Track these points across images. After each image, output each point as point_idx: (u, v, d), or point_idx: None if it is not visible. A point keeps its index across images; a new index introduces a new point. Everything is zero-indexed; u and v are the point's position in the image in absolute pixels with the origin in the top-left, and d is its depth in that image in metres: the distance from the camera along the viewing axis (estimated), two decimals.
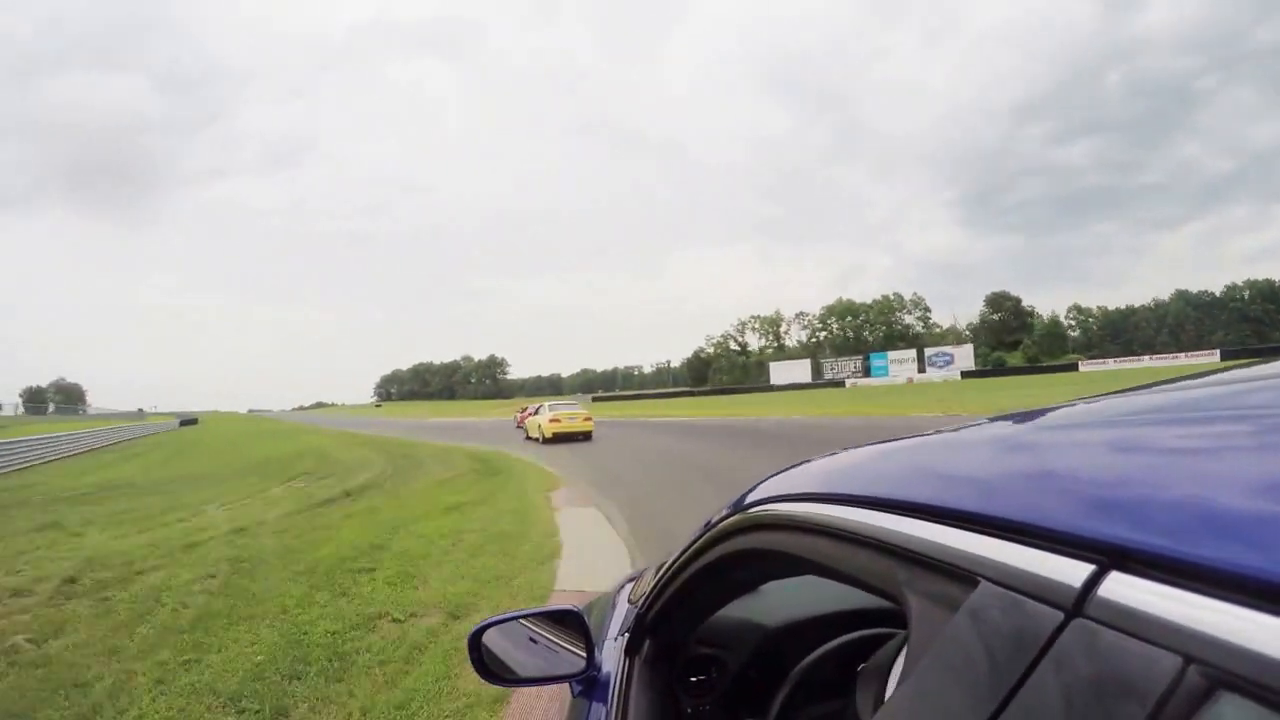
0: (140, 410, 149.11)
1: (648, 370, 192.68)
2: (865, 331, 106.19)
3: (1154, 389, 0.65)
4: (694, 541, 1.06)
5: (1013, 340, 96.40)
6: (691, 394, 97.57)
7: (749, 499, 0.90)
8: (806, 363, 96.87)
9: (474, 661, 1.37)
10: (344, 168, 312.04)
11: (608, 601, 1.84)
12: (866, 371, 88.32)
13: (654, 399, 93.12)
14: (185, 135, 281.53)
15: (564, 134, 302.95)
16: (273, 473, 16.88)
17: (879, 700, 0.84)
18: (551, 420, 21.88)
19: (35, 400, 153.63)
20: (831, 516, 0.67)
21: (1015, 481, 0.50)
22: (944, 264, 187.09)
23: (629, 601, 1.60)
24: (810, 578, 1.13)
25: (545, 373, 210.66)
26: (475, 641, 1.37)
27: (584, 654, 1.33)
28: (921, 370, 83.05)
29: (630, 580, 1.89)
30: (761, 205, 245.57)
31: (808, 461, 0.90)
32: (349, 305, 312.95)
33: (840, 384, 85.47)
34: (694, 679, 1.33)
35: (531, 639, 1.43)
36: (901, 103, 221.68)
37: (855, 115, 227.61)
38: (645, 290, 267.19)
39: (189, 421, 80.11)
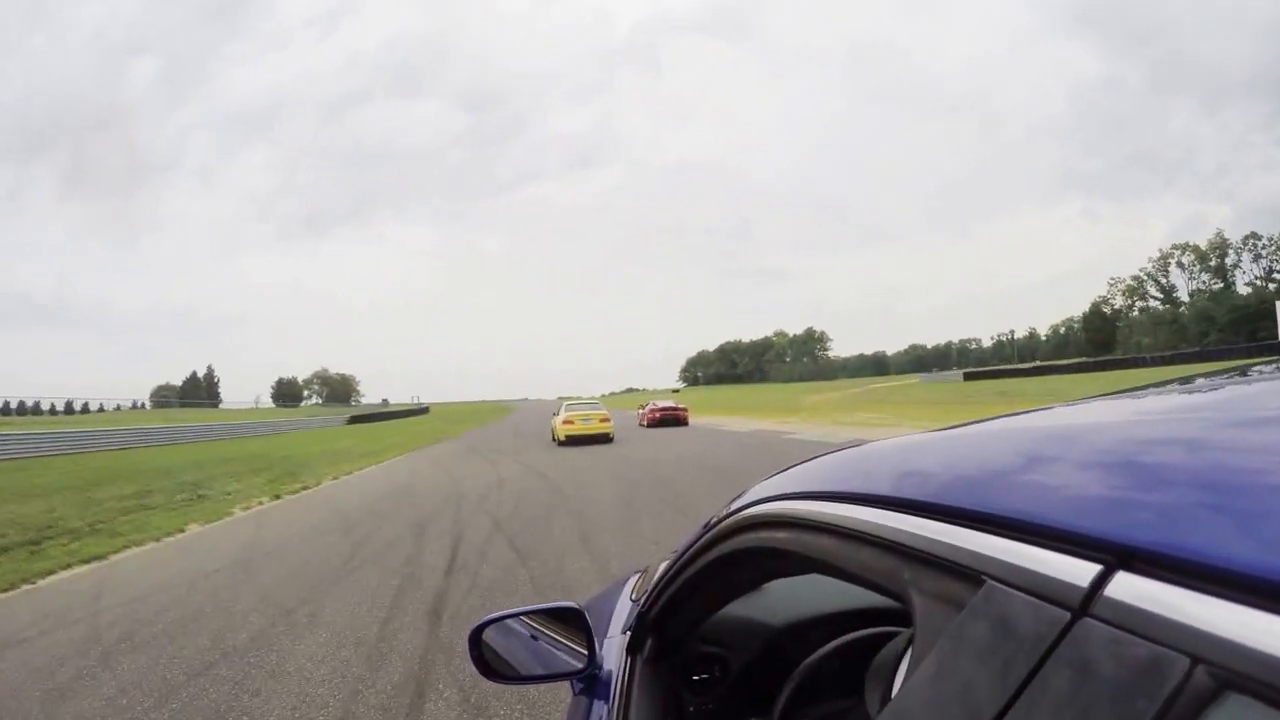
0: (384, 401, 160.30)
1: (986, 344, 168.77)
2: None
3: (1162, 388, 0.64)
4: (697, 539, 1.05)
5: None
6: (1104, 366, 62.15)
7: (753, 496, 0.89)
8: None
9: (474, 659, 1.35)
10: (645, 159, 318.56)
11: (610, 598, 1.81)
12: None
13: (1049, 374, 62.17)
14: (494, 146, 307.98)
15: (863, 102, 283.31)
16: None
17: (886, 697, 0.81)
18: (564, 422, 20.81)
19: (286, 394, 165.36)
20: (836, 514, 0.66)
21: (1022, 480, 0.50)
22: None
23: (631, 599, 1.61)
24: (814, 576, 1.10)
25: (868, 350, 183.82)
26: (476, 638, 1.36)
27: (585, 652, 1.32)
28: None
29: (633, 577, 1.86)
30: (1078, 161, 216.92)
31: (812, 459, 0.89)
32: (657, 291, 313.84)
33: None
34: (697, 677, 1.31)
35: (533, 636, 1.42)
36: (1221, 23, 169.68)
37: (1172, 46, 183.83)
38: (963, 261, 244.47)
39: (418, 411, 76.08)
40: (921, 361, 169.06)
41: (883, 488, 0.62)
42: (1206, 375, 0.66)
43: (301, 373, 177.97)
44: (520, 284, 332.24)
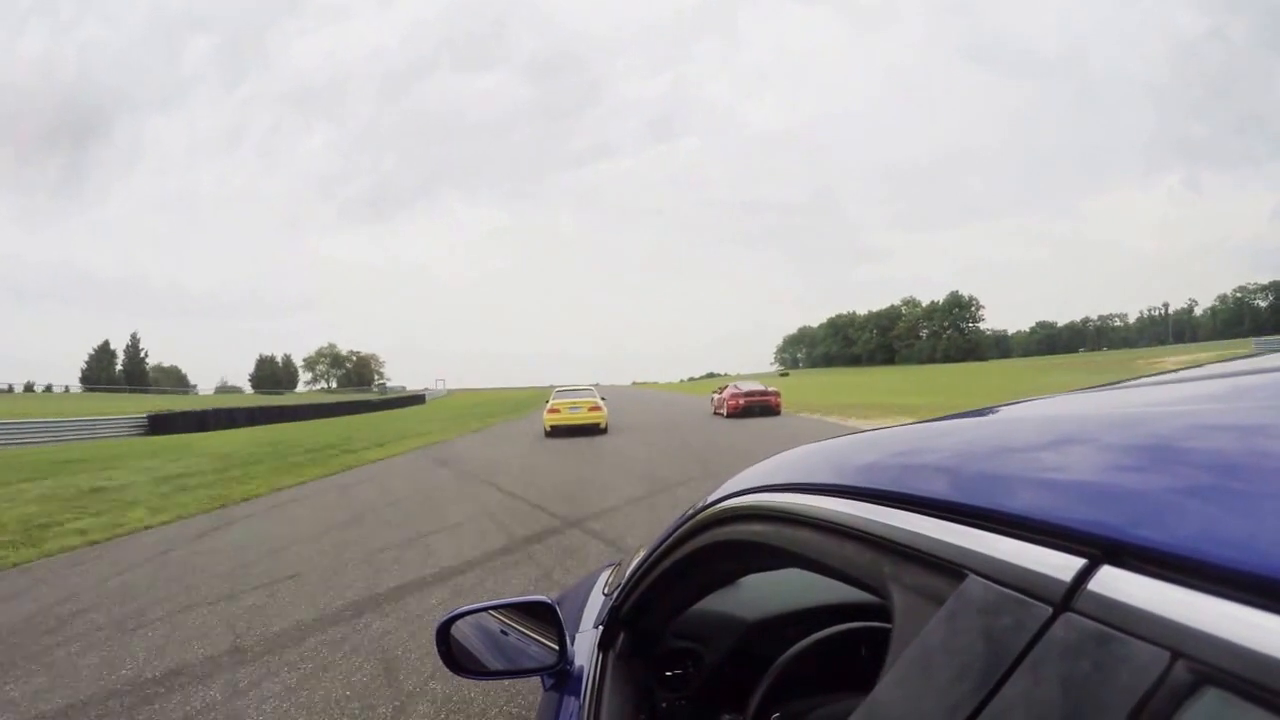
0: (381, 386, 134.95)
1: (1132, 319, 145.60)
2: None
3: (1149, 381, 0.63)
4: (672, 532, 1.04)
5: None
6: None
7: (730, 489, 0.88)
8: None
9: (441, 654, 1.32)
10: (723, 133, 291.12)
11: (582, 592, 1.81)
12: None
13: None
14: (563, 120, 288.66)
15: (948, 66, 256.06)
16: None
17: None
18: (550, 411, 19.11)
19: (269, 376, 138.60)
20: (815, 507, 0.65)
21: (1005, 473, 0.49)
22: None
23: (603, 593, 1.60)
24: (792, 570, 1.05)
25: (987, 329, 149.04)
26: (443, 633, 1.32)
27: (556, 646, 1.30)
28: None
29: (606, 569, 1.86)
30: (1182, 125, 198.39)
31: (791, 450, 0.87)
32: (738, 273, 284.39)
33: None
34: (670, 673, 1.30)
35: (502, 630, 1.38)
36: None
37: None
38: (1066, 237, 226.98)
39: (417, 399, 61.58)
40: (1050, 340, 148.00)
41: (863, 480, 0.61)
42: (1194, 367, 0.65)
43: (302, 352, 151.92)
44: (590, 265, 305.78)
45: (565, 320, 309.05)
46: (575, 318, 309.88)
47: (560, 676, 1.36)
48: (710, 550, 0.91)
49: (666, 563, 1.04)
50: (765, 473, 0.83)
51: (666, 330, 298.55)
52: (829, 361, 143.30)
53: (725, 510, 0.85)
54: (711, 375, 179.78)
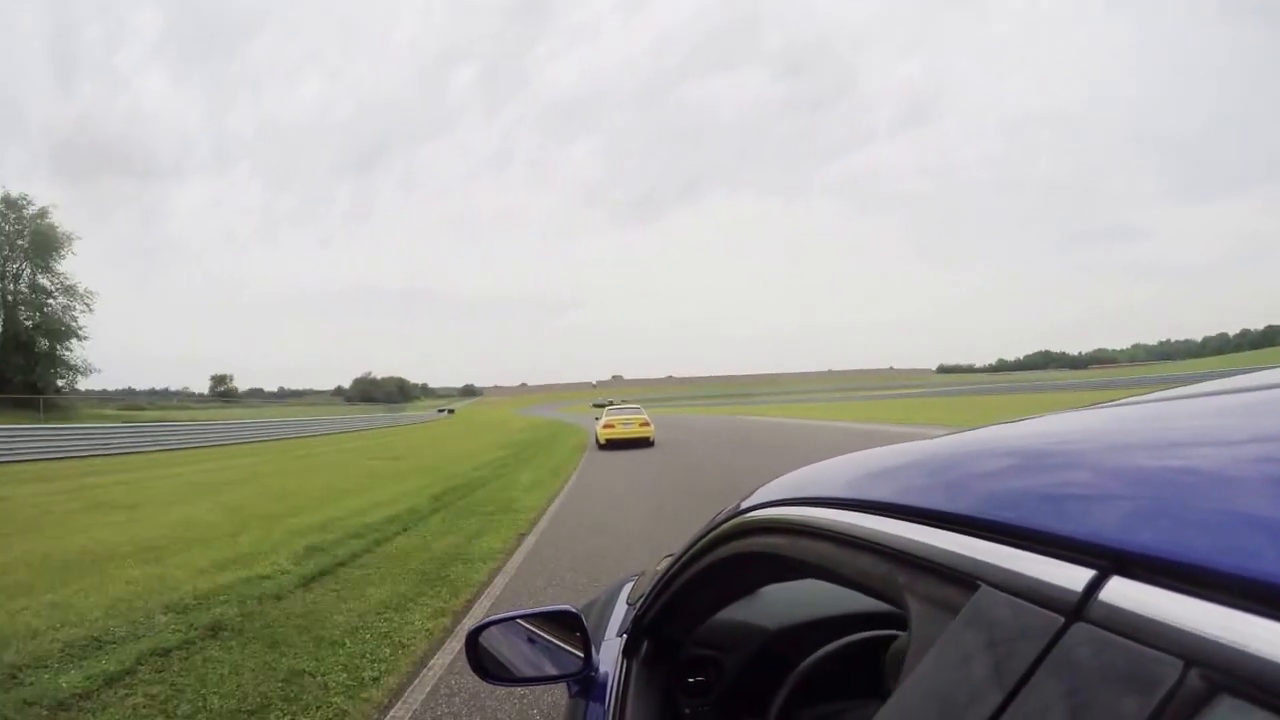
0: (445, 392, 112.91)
1: None
2: None
3: (1155, 396, 0.65)
4: (694, 543, 1.06)
5: None
6: None
7: (750, 502, 0.90)
8: None
9: (471, 661, 1.37)
10: (977, 112, 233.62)
11: (607, 602, 1.87)
12: None
13: None
14: (812, 112, 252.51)
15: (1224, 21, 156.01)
16: None
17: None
18: (604, 426, 21.04)
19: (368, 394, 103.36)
20: (832, 520, 0.66)
21: (1016, 486, 0.50)
22: None
23: (627, 603, 1.63)
24: (810, 581, 1.10)
25: None
26: (473, 641, 1.37)
27: (581, 654, 1.33)
28: None
29: (629, 580, 1.91)
30: None
31: (809, 465, 0.90)
32: (987, 259, 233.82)
33: None
34: (692, 680, 1.33)
35: (530, 639, 1.41)
36: None
37: None
38: None
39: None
40: None
41: (879, 494, 0.63)
42: (1199, 382, 0.66)
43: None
44: (845, 252, 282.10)
45: (819, 308, 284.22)
46: (838, 304, 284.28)
47: (585, 683, 1.40)
48: (730, 562, 0.92)
49: (688, 574, 1.06)
50: (784, 488, 0.85)
51: (964, 309, 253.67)
52: None
53: (745, 523, 0.86)
54: (1043, 352, 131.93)
